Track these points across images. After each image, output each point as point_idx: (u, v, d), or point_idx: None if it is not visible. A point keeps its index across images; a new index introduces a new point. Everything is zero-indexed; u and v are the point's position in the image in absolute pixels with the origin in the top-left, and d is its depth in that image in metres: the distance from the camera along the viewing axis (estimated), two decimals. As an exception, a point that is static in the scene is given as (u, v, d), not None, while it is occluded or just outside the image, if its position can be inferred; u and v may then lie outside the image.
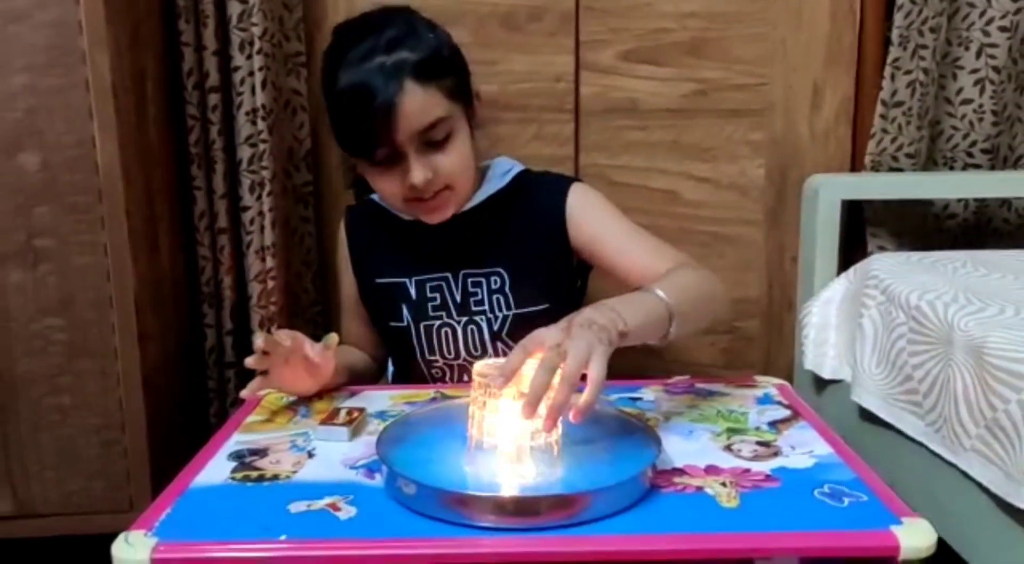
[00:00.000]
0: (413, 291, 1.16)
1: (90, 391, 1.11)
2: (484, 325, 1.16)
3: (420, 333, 1.16)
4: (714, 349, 1.53)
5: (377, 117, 1.01)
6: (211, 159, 1.30)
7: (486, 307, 1.15)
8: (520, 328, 1.08)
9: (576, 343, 0.80)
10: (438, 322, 1.16)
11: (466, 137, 1.09)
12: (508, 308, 1.15)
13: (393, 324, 1.17)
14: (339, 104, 1.05)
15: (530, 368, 0.80)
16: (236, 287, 1.34)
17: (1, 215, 1.06)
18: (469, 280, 1.16)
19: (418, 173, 1.04)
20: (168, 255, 1.24)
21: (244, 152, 1.29)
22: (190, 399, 1.33)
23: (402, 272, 1.16)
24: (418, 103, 1.02)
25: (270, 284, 1.33)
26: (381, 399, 1.08)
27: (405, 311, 1.16)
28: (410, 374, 1.18)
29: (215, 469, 0.89)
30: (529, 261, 1.16)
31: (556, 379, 0.79)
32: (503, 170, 1.19)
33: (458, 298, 1.16)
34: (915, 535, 0.73)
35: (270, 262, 1.32)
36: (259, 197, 1.30)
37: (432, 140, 1.05)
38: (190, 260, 1.32)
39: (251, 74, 1.27)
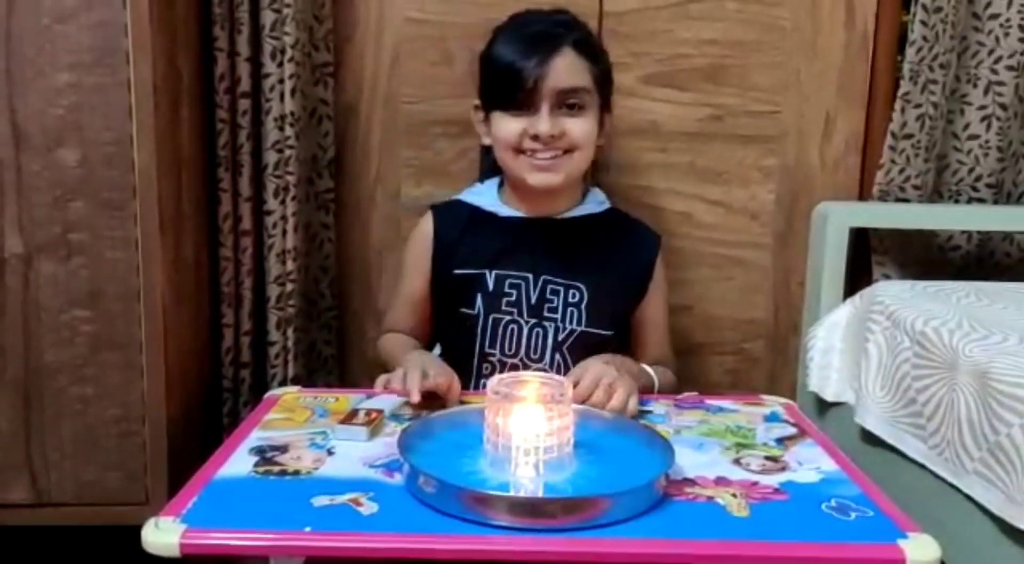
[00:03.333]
0: (491, 283, 1.20)
1: (113, 383, 1.12)
2: (551, 332, 1.20)
3: (487, 325, 1.20)
4: (720, 369, 1.55)
5: (530, 65, 1.11)
6: (238, 163, 1.32)
7: (558, 316, 1.20)
8: (583, 346, 1.19)
9: (623, 382, 1.03)
10: (507, 318, 1.20)
11: (595, 121, 1.18)
12: (579, 323, 1.21)
13: (464, 310, 1.21)
14: (497, 57, 1.15)
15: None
16: (255, 289, 1.37)
17: (38, 208, 1.08)
18: (549, 286, 1.20)
19: (545, 124, 1.13)
20: (192, 254, 1.26)
21: (270, 157, 1.32)
22: (206, 397, 1.35)
23: (483, 264, 1.21)
24: (569, 65, 1.13)
25: (289, 287, 1.35)
26: (397, 403, 1.10)
27: (479, 300, 1.20)
28: (461, 366, 1.19)
29: (237, 463, 0.91)
30: (611, 288, 1.23)
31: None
32: (599, 199, 1.29)
33: (533, 300, 1.20)
34: (921, 549, 0.75)
35: (290, 265, 1.35)
36: (283, 201, 1.33)
37: (568, 103, 1.14)
38: (212, 261, 1.35)
39: (281, 81, 1.30)
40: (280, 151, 1.32)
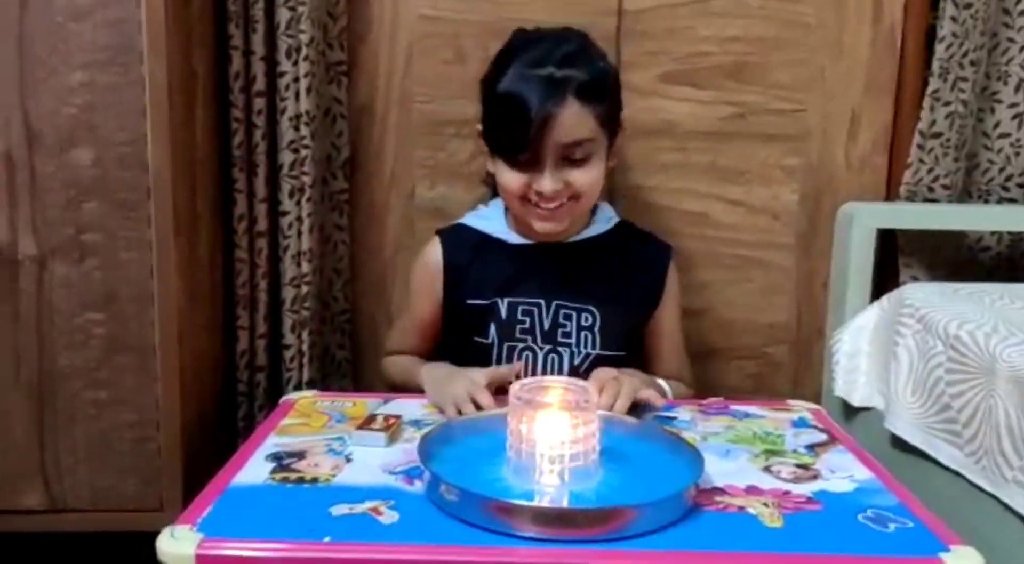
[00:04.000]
0: (504, 311, 1.19)
1: (127, 387, 1.11)
2: (566, 357, 1.19)
3: (502, 353, 1.19)
4: (742, 374, 1.52)
5: (531, 124, 1.07)
6: (253, 163, 1.30)
7: (572, 340, 1.19)
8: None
9: (629, 380, 1.05)
10: (521, 345, 1.19)
11: (602, 161, 1.15)
12: (593, 347, 1.19)
13: (477, 339, 1.20)
14: (499, 102, 1.12)
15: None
16: (270, 291, 1.35)
17: (52, 209, 1.06)
18: (561, 311, 1.19)
19: (548, 183, 1.11)
20: (207, 256, 1.24)
21: (286, 157, 1.30)
22: (221, 401, 1.34)
23: (495, 292, 1.19)
24: (571, 120, 1.09)
25: (304, 289, 1.33)
26: (415, 408, 1.09)
27: (492, 329, 1.19)
28: None
29: (254, 469, 0.89)
30: (622, 308, 1.21)
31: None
32: (608, 215, 1.26)
33: (546, 326, 1.19)
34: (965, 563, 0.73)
35: (305, 267, 1.33)
36: (298, 202, 1.31)
37: (571, 157, 1.11)
38: (226, 262, 1.33)
39: (296, 80, 1.28)
40: (295, 151, 1.30)
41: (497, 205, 1.26)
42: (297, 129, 1.30)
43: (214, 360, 1.30)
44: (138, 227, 1.07)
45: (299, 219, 1.32)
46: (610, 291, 1.21)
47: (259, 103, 1.29)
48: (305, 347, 1.34)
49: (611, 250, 1.23)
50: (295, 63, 1.28)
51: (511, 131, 1.09)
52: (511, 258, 1.21)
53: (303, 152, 1.30)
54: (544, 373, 1.18)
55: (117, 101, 1.04)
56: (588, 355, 1.18)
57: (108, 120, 1.05)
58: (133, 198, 1.07)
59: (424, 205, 1.45)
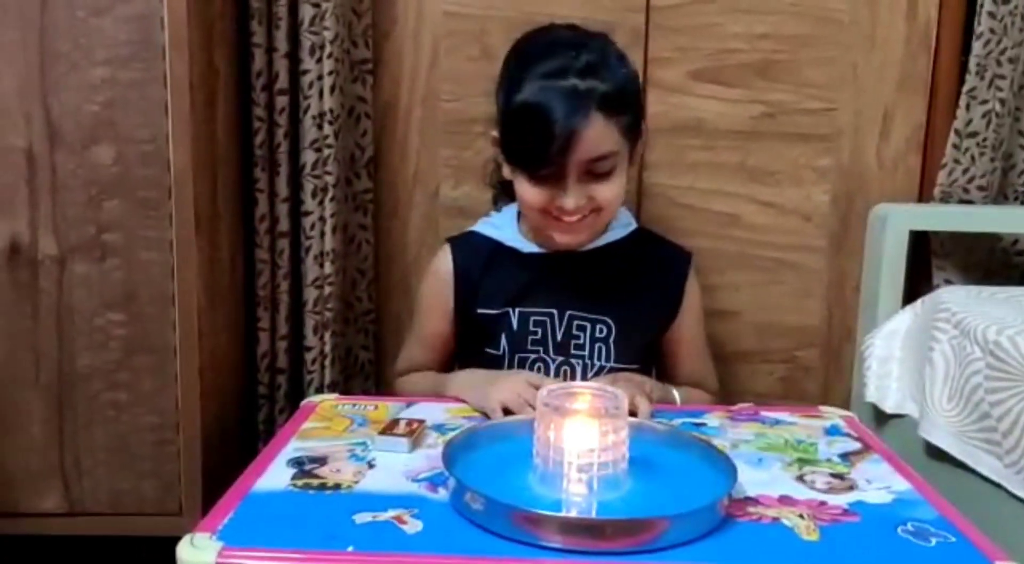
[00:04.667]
0: (515, 322, 1.16)
1: (147, 388, 1.10)
2: (579, 369, 1.16)
3: (513, 364, 1.16)
4: (771, 378, 1.49)
5: (554, 140, 1.02)
6: (275, 162, 1.29)
7: (585, 352, 1.16)
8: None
9: (627, 386, 0.97)
10: (533, 356, 1.16)
11: (624, 172, 1.11)
12: (608, 359, 1.16)
13: (488, 351, 1.17)
14: (519, 115, 1.06)
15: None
16: (292, 292, 1.33)
17: (73, 207, 1.05)
18: (575, 322, 1.16)
19: (571, 200, 1.07)
20: (228, 256, 1.23)
21: (308, 156, 1.28)
22: (241, 403, 1.32)
23: (506, 302, 1.16)
24: (596, 135, 1.04)
25: (326, 290, 1.32)
26: (438, 412, 1.07)
27: (503, 340, 1.16)
28: None
29: (275, 475, 0.87)
30: (639, 319, 1.18)
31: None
32: (625, 221, 1.22)
33: (559, 337, 1.16)
34: (1013, 581, 0.70)
35: (328, 268, 1.31)
36: (321, 202, 1.30)
37: (595, 171, 1.07)
38: (247, 263, 1.31)
39: (320, 78, 1.26)
40: (318, 150, 1.28)
41: (509, 212, 1.23)
42: (320, 128, 1.28)
43: (234, 362, 1.29)
44: (159, 226, 1.06)
45: (322, 219, 1.30)
46: (627, 301, 1.17)
47: (282, 101, 1.28)
48: (327, 349, 1.33)
49: (627, 257, 1.19)
50: (319, 61, 1.26)
51: (532, 146, 1.05)
52: (523, 267, 1.18)
53: (326, 151, 1.29)
54: None
55: (138, 98, 1.03)
56: (602, 368, 1.15)
57: (129, 117, 1.04)
58: (154, 197, 1.06)
59: (449, 204, 1.43)
